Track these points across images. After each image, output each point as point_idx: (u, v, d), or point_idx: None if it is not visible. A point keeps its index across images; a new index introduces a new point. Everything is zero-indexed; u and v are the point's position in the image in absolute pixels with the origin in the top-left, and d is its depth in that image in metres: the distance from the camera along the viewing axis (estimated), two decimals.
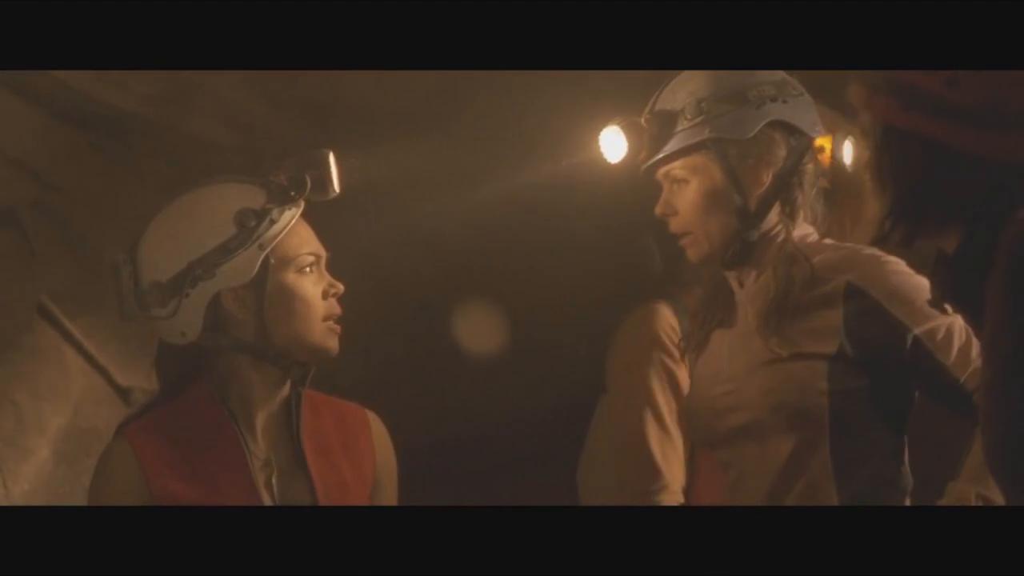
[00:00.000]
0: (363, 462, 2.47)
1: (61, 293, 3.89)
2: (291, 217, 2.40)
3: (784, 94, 2.55)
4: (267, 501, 2.36)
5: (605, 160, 2.64)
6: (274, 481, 2.38)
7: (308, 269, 2.40)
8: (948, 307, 2.42)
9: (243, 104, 3.82)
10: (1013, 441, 1.65)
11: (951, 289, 1.81)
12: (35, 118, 3.72)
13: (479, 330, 4.13)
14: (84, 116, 3.73)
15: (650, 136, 2.55)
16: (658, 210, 2.58)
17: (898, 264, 2.50)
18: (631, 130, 2.57)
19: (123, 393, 4.19)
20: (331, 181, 2.43)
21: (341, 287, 2.42)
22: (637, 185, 2.65)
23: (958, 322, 2.43)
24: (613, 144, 2.60)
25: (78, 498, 3.62)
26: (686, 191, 2.55)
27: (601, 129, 2.62)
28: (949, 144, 1.74)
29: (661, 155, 2.55)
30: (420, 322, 4.23)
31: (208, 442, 2.38)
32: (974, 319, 1.78)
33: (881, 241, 1.86)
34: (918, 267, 2.40)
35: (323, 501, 2.38)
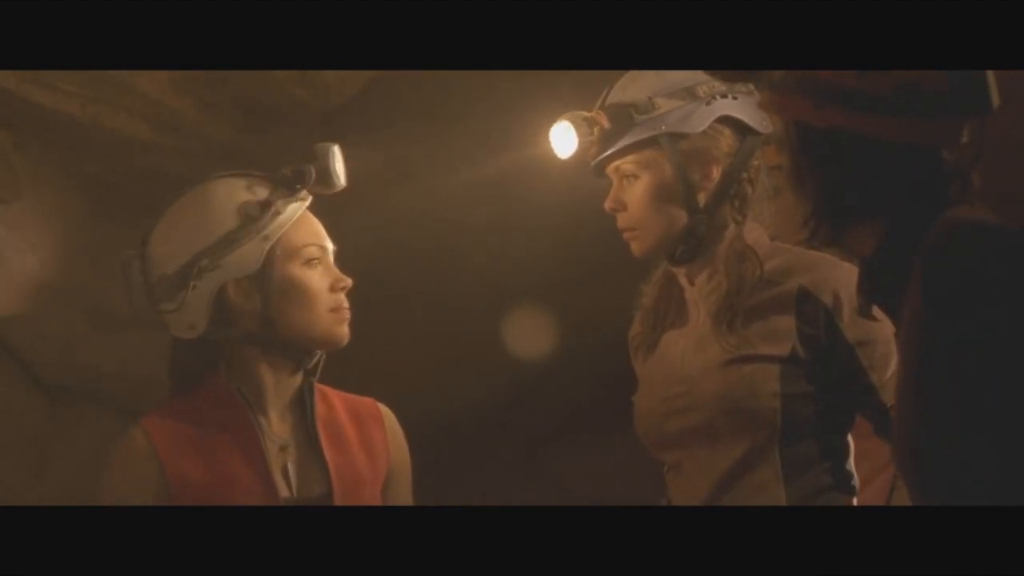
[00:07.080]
0: (377, 455, 2.47)
1: None
2: (296, 209, 2.41)
3: (733, 91, 2.53)
4: (283, 490, 2.36)
5: (555, 156, 2.61)
6: (290, 467, 2.38)
7: (315, 261, 2.41)
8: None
9: (171, 104, 3.80)
10: (922, 445, 1.63)
11: (873, 289, 1.81)
12: None
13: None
14: (9, 115, 3.69)
15: (600, 131, 2.54)
16: (607, 205, 2.56)
17: (854, 272, 2.50)
18: (581, 125, 2.55)
19: (50, 392, 4.16)
20: (335, 173, 2.44)
21: (349, 281, 2.43)
22: (587, 180, 2.63)
23: None
24: (563, 140, 2.57)
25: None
26: (636, 186, 2.53)
27: (551, 125, 2.59)
28: (867, 135, 1.71)
29: (611, 150, 2.53)
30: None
31: (224, 429, 2.37)
32: (893, 320, 1.78)
33: (806, 242, 1.85)
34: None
35: (338, 492, 2.38)
